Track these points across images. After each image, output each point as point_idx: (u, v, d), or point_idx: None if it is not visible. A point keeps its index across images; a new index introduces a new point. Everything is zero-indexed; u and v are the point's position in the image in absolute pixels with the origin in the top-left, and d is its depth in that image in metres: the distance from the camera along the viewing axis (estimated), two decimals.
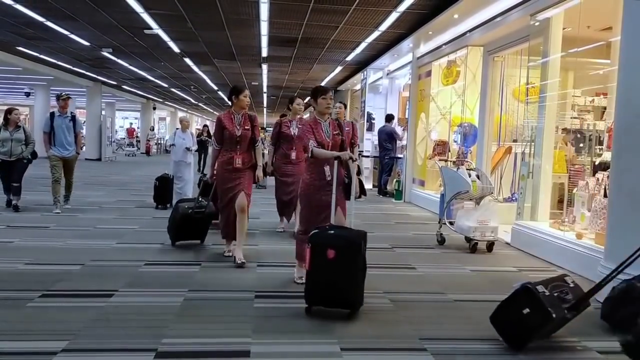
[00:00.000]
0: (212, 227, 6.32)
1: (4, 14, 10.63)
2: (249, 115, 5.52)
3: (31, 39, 13.43)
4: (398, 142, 12.49)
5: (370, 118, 15.23)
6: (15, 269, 5.01)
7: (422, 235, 7.49)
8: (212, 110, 40.07)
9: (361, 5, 8.99)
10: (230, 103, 5.59)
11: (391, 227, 8.07)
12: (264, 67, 16.54)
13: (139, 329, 3.57)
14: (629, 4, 4.46)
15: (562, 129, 6.97)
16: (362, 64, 15.34)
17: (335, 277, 3.78)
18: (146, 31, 11.79)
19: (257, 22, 10.64)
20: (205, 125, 21.65)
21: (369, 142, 14.38)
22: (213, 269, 5.27)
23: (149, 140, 31.21)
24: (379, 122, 13.99)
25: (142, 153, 30.46)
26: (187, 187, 9.23)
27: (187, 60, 15.99)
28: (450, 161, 8.72)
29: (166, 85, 23.97)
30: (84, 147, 20.94)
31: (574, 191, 6.32)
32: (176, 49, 14.09)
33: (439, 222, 7.07)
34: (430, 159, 10.59)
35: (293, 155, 6.95)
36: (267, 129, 36.09)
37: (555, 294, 3.43)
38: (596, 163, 6.27)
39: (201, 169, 15.97)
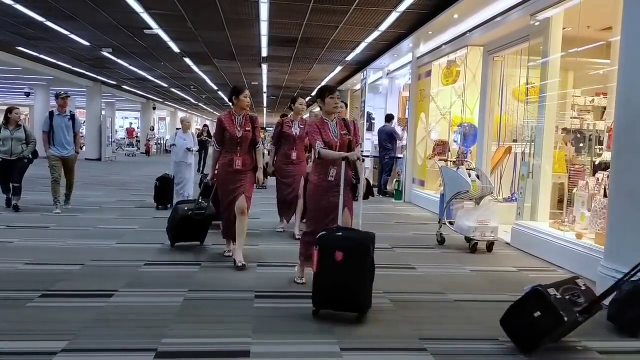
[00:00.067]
0: (212, 227, 6.31)
1: (4, 14, 10.63)
2: (250, 117, 5.44)
3: (31, 39, 13.43)
4: (398, 142, 12.49)
5: (370, 118, 15.23)
6: (15, 269, 5.01)
7: (422, 235, 7.49)
8: (212, 111, 40.08)
9: (361, 5, 8.99)
10: (230, 104, 5.54)
11: (391, 228, 8.06)
12: (264, 67, 16.54)
13: (139, 329, 3.57)
14: (629, 4, 4.46)
15: (562, 129, 6.96)
16: (362, 64, 15.35)
17: (343, 280, 3.72)
18: (146, 31, 11.79)
19: (257, 22, 10.64)
20: (205, 126, 21.66)
21: (369, 142, 14.39)
22: (213, 269, 5.26)
23: (148, 141, 31.17)
24: (379, 122, 14.00)
25: (142, 153, 30.45)
26: (188, 188, 9.20)
27: (187, 61, 15.99)
28: (451, 161, 8.72)
29: (166, 86, 23.97)
30: (84, 147, 20.96)
31: (574, 191, 6.32)
32: (176, 49, 14.09)
33: (439, 222, 7.06)
34: (430, 159, 10.59)
35: (294, 155, 6.93)
36: (267, 129, 36.08)
37: (567, 297, 3.38)
38: (596, 163, 6.26)
39: (201, 169, 15.96)
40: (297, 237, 6.86)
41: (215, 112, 40.58)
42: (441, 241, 6.83)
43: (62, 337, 3.34)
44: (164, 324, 3.66)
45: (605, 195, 5.42)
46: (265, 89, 23.13)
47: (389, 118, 12.70)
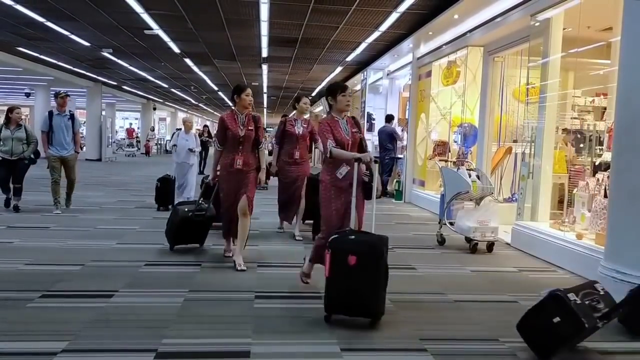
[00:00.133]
0: (212, 228, 6.22)
1: (5, 14, 10.63)
2: (252, 116, 5.36)
3: (31, 40, 13.44)
4: (398, 142, 12.49)
5: (370, 118, 15.23)
6: (15, 269, 5.01)
7: (422, 235, 7.49)
8: (212, 111, 40.10)
9: (361, 5, 8.99)
10: (232, 103, 5.46)
11: (391, 228, 8.06)
12: (264, 67, 16.55)
13: (139, 330, 3.57)
14: (629, 4, 4.46)
15: (562, 130, 6.96)
16: (362, 65, 15.35)
17: (356, 285, 3.63)
18: (146, 31, 11.80)
19: (258, 23, 10.65)
20: (205, 126, 21.66)
21: (369, 143, 14.34)
22: (213, 269, 5.26)
23: (148, 141, 31.13)
24: (379, 123, 14.00)
25: (142, 153, 30.45)
26: (189, 189, 9.16)
27: (188, 61, 16.00)
28: (451, 161, 8.73)
29: (166, 86, 23.98)
30: (84, 148, 20.96)
31: (574, 191, 6.31)
32: (176, 50, 14.09)
33: (439, 223, 7.06)
34: (430, 159, 10.59)
35: (297, 154, 6.88)
36: (267, 129, 36.12)
37: (587, 302, 3.29)
38: (596, 163, 6.26)
39: (202, 169, 15.94)
40: (297, 237, 6.87)
41: (215, 113, 40.61)
42: (441, 241, 6.83)
43: (62, 338, 3.34)
44: (164, 324, 3.66)
45: (605, 196, 5.41)
46: (265, 89, 23.14)
47: (389, 118, 12.70)
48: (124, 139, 34.79)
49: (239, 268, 5.16)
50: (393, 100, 14.99)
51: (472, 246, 6.42)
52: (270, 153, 8.55)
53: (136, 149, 31.83)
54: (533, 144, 6.88)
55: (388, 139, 12.25)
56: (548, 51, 6.63)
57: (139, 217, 8.25)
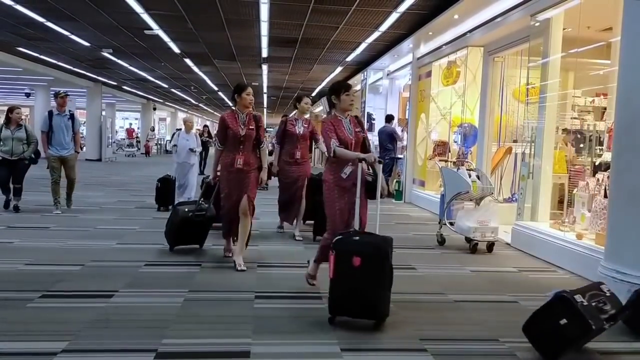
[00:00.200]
0: (212, 228, 6.18)
1: (5, 14, 10.64)
2: (254, 115, 5.31)
3: (31, 40, 13.44)
4: (398, 142, 12.50)
5: (370, 119, 15.23)
6: (15, 269, 5.01)
7: (422, 235, 7.49)
8: (212, 111, 40.11)
9: (361, 5, 8.99)
10: (233, 102, 5.40)
11: (391, 228, 8.06)
12: (264, 67, 16.55)
13: (139, 330, 3.57)
14: (629, 4, 4.46)
15: (563, 130, 6.96)
16: (362, 65, 15.35)
17: (361, 286, 3.59)
18: (146, 32, 11.80)
19: (258, 23, 10.65)
20: (205, 126, 21.65)
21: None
22: (213, 269, 5.26)
23: (148, 141, 31.12)
24: (379, 123, 14.00)
25: (142, 154, 30.45)
26: (190, 189, 9.13)
27: (188, 61, 16.00)
28: (451, 162, 8.73)
29: (166, 86, 23.99)
30: (84, 148, 20.95)
31: (574, 192, 6.31)
32: (176, 50, 14.10)
33: (439, 223, 7.06)
34: (430, 159, 10.59)
35: (298, 154, 6.85)
36: (267, 129, 36.11)
37: (593, 304, 3.27)
38: (596, 163, 6.26)
39: (202, 170, 15.94)
40: (297, 238, 6.86)
41: (215, 113, 40.62)
42: (441, 241, 6.83)
43: (62, 338, 3.34)
44: (164, 324, 3.66)
45: (605, 196, 5.41)
46: (265, 90, 23.15)
47: (389, 118, 12.70)
48: (124, 139, 34.78)
49: (239, 268, 5.15)
50: (393, 101, 14.99)
51: (472, 246, 6.42)
52: (270, 153, 8.52)
53: (136, 149, 31.83)
54: (533, 144, 6.88)
55: (388, 139, 12.25)
56: (548, 51, 6.63)
57: (139, 217, 8.25)
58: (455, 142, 9.89)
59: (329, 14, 9.72)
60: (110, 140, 26.64)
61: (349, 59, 14.45)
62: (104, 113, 26.24)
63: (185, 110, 40.45)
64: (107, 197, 10.72)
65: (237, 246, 5.33)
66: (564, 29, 6.57)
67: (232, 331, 3.62)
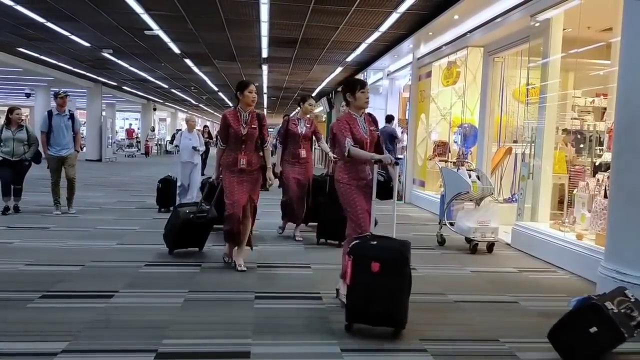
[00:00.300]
0: (212, 230, 6.12)
1: (5, 15, 10.64)
2: (257, 114, 5.18)
3: (32, 40, 13.44)
4: (398, 143, 12.50)
5: None
6: (15, 269, 5.01)
7: (422, 236, 7.49)
8: (212, 111, 40.11)
9: (361, 6, 8.99)
10: (236, 100, 5.25)
11: (391, 228, 8.05)
12: (264, 68, 16.55)
13: (139, 330, 3.57)
14: (629, 4, 4.46)
15: (563, 130, 6.96)
16: (362, 65, 15.36)
17: (380, 293, 3.45)
18: (146, 32, 11.80)
19: (258, 23, 10.65)
20: (205, 126, 21.66)
21: None
22: (213, 269, 5.26)
23: (147, 141, 31.10)
24: (380, 123, 13.98)
25: (142, 154, 30.46)
26: (193, 189, 9.08)
27: (188, 61, 16.00)
28: (451, 162, 8.74)
29: (166, 86, 23.99)
30: (84, 148, 20.96)
31: (574, 192, 6.31)
32: (176, 50, 14.10)
33: (439, 223, 7.06)
34: (430, 159, 10.59)
35: (303, 153, 6.78)
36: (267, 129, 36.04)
37: (622, 311, 3.19)
38: (596, 164, 6.26)
39: (202, 170, 15.89)
40: (298, 238, 6.85)
41: (215, 113, 40.63)
42: (441, 242, 6.83)
43: (63, 338, 3.35)
44: (164, 324, 3.66)
45: (605, 196, 5.41)
46: (265, 90, 23.15)
47: (389, 119, 12.71)
48: (124, 139, 34.80)
49: (239, 268, 5.14)
50: (393, 101, 15.00)
51: (472, 247, 6.42)
52: (271, 153, 8.49)
53: (136, 149, 31.83)
54: (533, 144, 6.88)
55: (388, 139, 12.24)
56: (548, 52, 6.63)
57: (139, 218, 8.25)
58: (455, 142, 9.89)
59: (329, 14, 9.72)
60: (111, 141, 26.64)
61: (349, 59, 14.46)
62: (104, 113, 26.25)
63: (186, 110, 40.46)
64: (107, 197, 10.72)
65: (238, 246, 5.29)
66: (564, 29, 6.57)
67: (232, 331, 3.62)
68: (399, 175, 12.74)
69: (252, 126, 5.13)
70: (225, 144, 5.18)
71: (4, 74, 20.21)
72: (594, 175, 6.14)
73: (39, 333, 3.48)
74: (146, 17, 10.50)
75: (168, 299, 4.23)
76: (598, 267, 4.64)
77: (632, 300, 3.34)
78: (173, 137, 26.27)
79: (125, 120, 43.95)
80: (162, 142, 36.01)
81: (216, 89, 23.62)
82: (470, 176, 6.69)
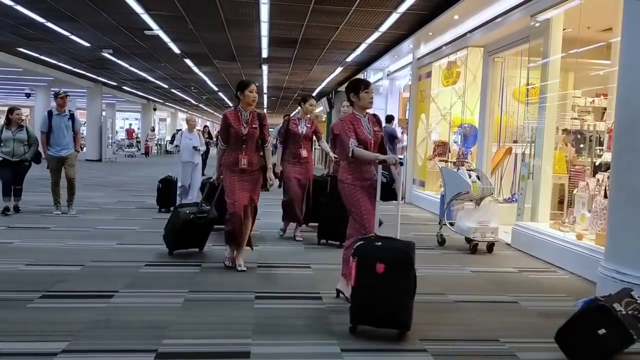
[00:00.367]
0: (213, 230, 6.10)
1: (5, 15, 10.64)
2: (258, 114, 5.15)
3: (32, 40, 13.44)
4: (398, 143, 12.50)
5: None
6: (15, 269, 5.01)
7: (422, 236, 7.48)
8: (212, 111, 40.11)
9: (361, 6, 8.99)
10: (236, 100, 5.20)
11: (391, 228, 8.05)
12: (264, 68, 16.55)
13: (139, 330, 3.57)
14: (629, 4, 4.46)
15: (563, 130, 6.96)
16: (362, 65, 15.36)
17: (385, 294, 3.42)
18: (146, 32, 11.80)
19: (258, 23, 10.65)
20: (205, 126, 21.66)
21: None
22: (213, 269, 5.25)
23: (147, 141, 31.10)
24: None
25: (142, 154, 30.46)
26: (193, 190, 9.03)
27: (188, 61, 16.00)
28: (451, 162, 8.73)
29: (166, 86, 23.99)
30: (85, 148, 20.95)
31: (574, 192, 6.31)
32: (176, 50, 14.10)
33: (439, 223, 7.06)
34: (430, 159, 10.59)
35: (304, 153, 6.74)
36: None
37: (630, 312, 3.17)
38: (596, 164, 6.26)
39: (202, 171, 15.87)
40: (298, 238, 6.85)
41: (215, 113, 40.63)
42: (441, 242, 6.83)
43: (63, 338, 3.35)
44: (164, 324, 3.66)
45: (605, 196, 5.42)
46: (265, 90, 23.17)
47: (389, 119, 12.71)
48: (124, 139, 34.80)
49: (239, 268, 5.13)
50: (393, 101, 15.00)
51: (472, 247, 6.42)
52: (272, 153, 8.48)
53: (136, 149, 31.82)
54: (533, 144, 6.88)
55: (389, 139, 12.24)
56: (548, 52, 6.63)
57: (139, 218, 8.25)
58: (455, 142, 9.89)
59: (329, 15, 9.72)
60: (111, 141, 26.64)
61: (349, 59, 14.45)
62: (104, 113, 26.25)
63: (186, 110, 40.46)
64: (107, 197, 10.72)
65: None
66: (564, 29, 6.58)
67: (232, 331, 3.62)
68: (398, 175, 12.65)
69: (253, 126, 5.09)
70: (226, 144, 5.14)
71: (4, 74, 20.21)
72: (594, 175, 6.14)
73: (39, 333, 3.48)
74: (146, 17, 10.50)
75: (168, 299, 4.23)
76: (598, 267, 4.64)
77: (639, 301, 3.31)
78: (173, 137, 26.28)
79: (125, 120, 43.94)
80: (162, 142, 36.03)
81: (216, 89, 23.63)
82: (470, 176, 6.69)
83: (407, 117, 12.56)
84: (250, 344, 3.36)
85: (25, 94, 25.43)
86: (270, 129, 5.68)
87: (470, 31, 8.81)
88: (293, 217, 6.89)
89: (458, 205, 7.05)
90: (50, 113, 8.27)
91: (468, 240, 6.48)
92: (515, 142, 8.63)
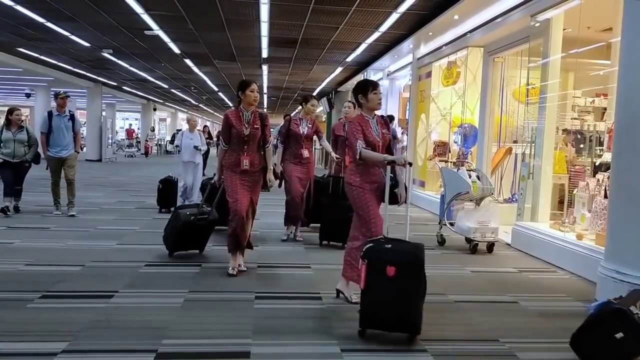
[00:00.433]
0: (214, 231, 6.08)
1: (5, 15, 10.64)
2: (260, 114, 5.08)
3: (32, 40, 13.44)
4: (398, 143, 12.49)
5: None
6: (15, 269, 5.01)
7: (422, 236, 7.47)
8: (212, 112, 40.11)
9: (361, 6, 8.99)
10: (238, 100, 5.14)
11: (391, 228, 8.01)
12: (264, 68, 16.55)
13: (139, 330, 3.57)
14: (629, 4, 4.46)
15: (563, 130, 6.97)
16: (362, 65, 15.35)
17: (396, 297, 3.37)
18: (146, 32, 11.80)
19: (258, 23, 10.65)
20: (205, 126, 21.66)
21: None
22: (213, 270, 5.25)
23: (147, 141, 31.09)
24: None
25: (142, 154, 30.45)
26: (195, 190, 8.98)
27: (188, 61, 16.00)
28: (451, 162, 8.74)
29: (166, 87, 23.99)
30: (85, 148, 20.95)
31: (574, 192, 6.32)
32: (176, 50, 14.10)
33: (439, 223, 7.06)
34: (430, 159, 10.59)
35: (306, 153, 6.70)
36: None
37: None
38: (596, 164, 6.26)
39: (203, 172, 15.85)
40: (298, 238, 6.85)
41: (215, 113, 40.62)
42: (441, 242, 6.83)
43: (63, 338, 3.35)
44: (164, 324, 3.66)
45: (605, 196, 5.42)
46: (265, 90, 23.17)
47: (390, 119, 12.69)
48: (124, 139, 34.81)
49: (239, 268, 5.13)
50: (393, 101, 14.99)
51: (472, 247, 6.42)
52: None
53: (136, 149, 31.82)
54: (533, 144, 6.88)
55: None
56: (548, 52, 6.63)
57: (139, 218, 8.25)
58: (455, 142, 9.90)
59: (329, 15, 9.72)
60: (110, 141, 26.64)
61: (349, 59, 14.45)
62: (104, 113, 26.25)
63: (186, 110, 40.46)
64: (107, 197, 10.72)
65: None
66: (564, 29, 6.58)
67: (232, 331, 3.62)
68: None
69: (255, 126, 5.02)
70: (227, 144, 5.04)
71: (4, 74, 20.20)
72: (594, 176, 6.14)
73: (39, 333, 3.48)
74: (146, 17, 10.50)
75: (168, 299, 4.23)
76: (598, 267, 4.64)
77: None
78: (173, 137, 26.30)
79: (125, 120, 43.93)
80: (162, 142, 36.04)
81: (216, 89, 23.62)
82: (470, 176, 6.69)
83: (407, 117, 12.56)
84: (250, 344, 3.36)
85: (25, 94, 25.43)
86: (271, 129, 5.64)
87: (470, 31, 8.81)
88: (295, 218, 6.84)
89: (458, 206, 7.06)
90: (50, 114, 8.24)
91: (468, 240, 6.48)
92: (515, 142, 8.63)
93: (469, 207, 6.91)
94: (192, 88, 24.05)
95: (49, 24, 11.39)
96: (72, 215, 8.10)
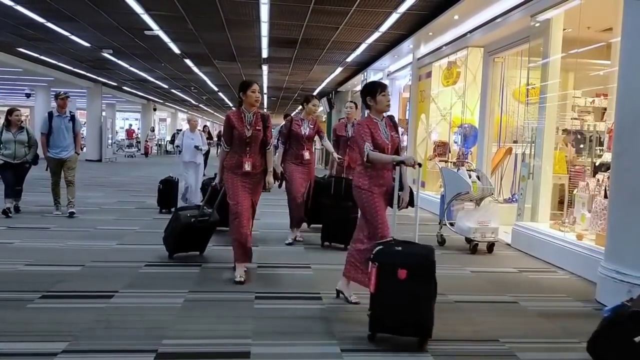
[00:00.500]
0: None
1: (5, 15, 10.64)
2: (261, 115, 4.98)
3: (32, 40, 13.44)
4: None
5: None
6: (15, 270, 5.01)
7: (422, 236, 7.41)
8: (212, 112, 40.12)
9: (361, 6, 8.99)
10: (239, 101, 5.05)
11: (391, 228, 8.04)
12: (264, 68, 16.55)
13: (139, 330, 3.57)
14: (629, 4, 4.46)
15: (563, 130, 6.97)
16: (362, 65, 15.36)
17: (407, 301, 3.33)
18: (146, 32, 11.80)
19: (258, 23, 10.65)
20: (205, 126, 21.66)
21: None
22: (213, 270, 5.25)
23: (147, 141, 31.07)
24: None
25: (142, 154, 30.45)
26: (196, 191, 8.99)
27: (188, 62, 16.00)
28: (451, 162, 8.74)
29: (166, 87, 23.99)
30: (85, 148, 20.95)
31: (574, 192, 6.32)
32: (176, 50, 14.10)
33: (439, 223, 7.06)
34: (430, 159, 10.59)
35: (307, 155, 6.65)
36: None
37: None
38: (596, 164, 6.26)
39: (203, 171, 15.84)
40: (298, 238, 6.84)
41: (215, 113, 40.64)
42: (441, 242, 6.83)
43: (63, 338, 3.35)
44: (164, 324, 3.66)
45: (605, 196, 5.42)
46: (265, 90, 23.15)
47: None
48: (124, 139, 34.80)
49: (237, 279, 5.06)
50: (393, 101, 14.85)
51: (472, 247, 6.42)
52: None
53: (136, 149, 31.82)
54: (533, 144, 6.88)
55: None
56: (548, 52, 6.63)
57: (139, 218, 8.25)
58: (455, 142, 9.90)
59: (329, 15, 9.72)
60: (110, 141, 26.64)
61: (349, 59, 14.46)
62: (104, 113, 26.24)
63: (186, 110, 40.47)
64: (107, 197, 10.72)
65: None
66: (564, 29, 6.58)
67: (232, 332, 3.62)
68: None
69: (257, 127, 4.93)
70: (229, 146, 4.94)
71: (4, 74, 20.20)
72: (594, 176, 6.14)
73: (39, 333, 3.48)
74: (146, 17, 10.50)
75: (168, 299, 4.23)
76: (598, 267, 4.64)
77: None
78: (173, 137, 26.30)
79: (125, 120, 43.93)
80: (162, 143, 36.04)
81: (216, 89, 23.62)
82: (470, 176, 6.69)
83: (407, 117, 12.56)
84: (250, 344, 3.36)
85: (25, 94, 25.43)
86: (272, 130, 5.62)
87: (470, 31, 8.81)
88: (298, 220, 6.80)
89: (458, 206, 7.05)
90: (50, 114, 8.22)
91: (468, 240, 6.48)
92: (515, 142, 8.63)
93: (469, 207, 6.91)
94: (192, 88, 24.05)
95: (49, 24, 11.39)
96: (72, 213, 8.09)
